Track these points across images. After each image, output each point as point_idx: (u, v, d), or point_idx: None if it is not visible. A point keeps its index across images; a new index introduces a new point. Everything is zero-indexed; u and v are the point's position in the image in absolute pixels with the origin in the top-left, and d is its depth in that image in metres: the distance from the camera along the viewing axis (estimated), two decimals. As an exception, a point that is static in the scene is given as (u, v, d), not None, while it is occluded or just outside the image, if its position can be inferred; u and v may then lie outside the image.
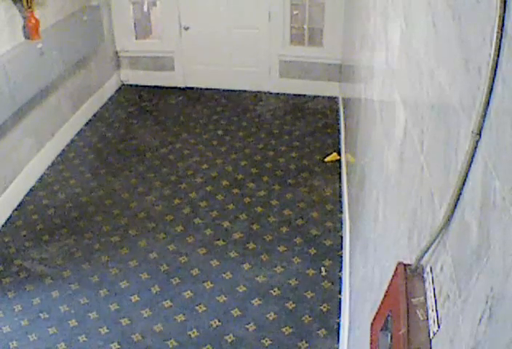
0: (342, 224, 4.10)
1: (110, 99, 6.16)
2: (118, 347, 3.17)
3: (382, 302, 1.48)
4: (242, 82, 6.26)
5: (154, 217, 4.24)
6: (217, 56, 6.14)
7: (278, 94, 6.23)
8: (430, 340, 1.15)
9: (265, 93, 6.25)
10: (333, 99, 6.07)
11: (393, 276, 1.36)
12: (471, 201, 1.02)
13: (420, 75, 1.56)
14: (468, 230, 1.01)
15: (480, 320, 0.88)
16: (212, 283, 3.60)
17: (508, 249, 0.80)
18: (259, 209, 4.31)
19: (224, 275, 3.67)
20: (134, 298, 3.50)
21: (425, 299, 1.22)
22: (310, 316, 3.36)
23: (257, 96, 6.20)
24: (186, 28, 5.96)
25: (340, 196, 4.42)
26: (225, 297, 3.50)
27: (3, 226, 4.13)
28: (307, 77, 6.13)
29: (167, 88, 6.37)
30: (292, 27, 5.96)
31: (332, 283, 3.59)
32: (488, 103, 0.94)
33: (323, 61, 6.00)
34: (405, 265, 1.33)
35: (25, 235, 4.03)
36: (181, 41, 6.04)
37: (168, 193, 4.52)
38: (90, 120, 5.70)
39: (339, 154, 4.98)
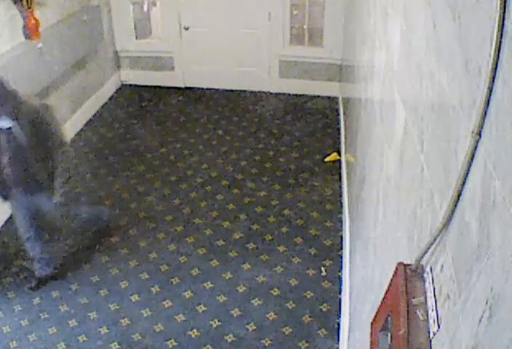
0: (342, 224, 4.10)
1: (110, 99, 6.16)
2: (118, 347, 3.17)
3: (382, 302, 1.48)
4: (242, 82, 6.25)
5: (154, 217, 4.24)
6: (217, 56, 6.13)
7: (278, 94, 6.23)
8: (430, 340, 1.15)
9: (265, 93, 6.25)
10: (333, 99, 6.06)
11: (393, 276, 1.36)
12: (471, 201, 1.02)
13: (420, 75, 1.56)
14: (467, 230, 1.01)
15: (480, 320, 0.88)
16: (212, 283, 3.60)
17: (508, 249, 0.80)
18: (259, 209, 4.31)
19: (224, 275, 3.66)
20: (134, 298, 3.50)
21: (425, 299, 1.22)
22: (310, 316, 3.36)
23: (257, 96, 6.20)
24: (186, 28, 5.95)
25: (340, 196, 4.42)
26: (225, 297, 3.50)
27: (3, 226, 4.12)
28: (307, 77, 6.13)
29: (167, 88, 6.37)
30: (292, 27, 5.96)
31: (332, 283, 3.59)
32: (488, 103, 0.94)
33: (323, 61, 6.00)
34: (405, 265, 1.33)
35: (25, 235, 4.02)
36: (181, 41, 6.03)
37: (168, 193, 4.52)
38: (90, 120, 5.69)
39: (339, 154, 4.98)
